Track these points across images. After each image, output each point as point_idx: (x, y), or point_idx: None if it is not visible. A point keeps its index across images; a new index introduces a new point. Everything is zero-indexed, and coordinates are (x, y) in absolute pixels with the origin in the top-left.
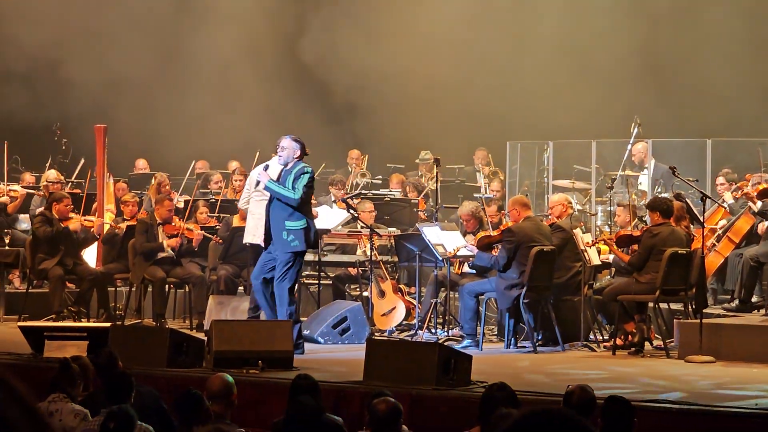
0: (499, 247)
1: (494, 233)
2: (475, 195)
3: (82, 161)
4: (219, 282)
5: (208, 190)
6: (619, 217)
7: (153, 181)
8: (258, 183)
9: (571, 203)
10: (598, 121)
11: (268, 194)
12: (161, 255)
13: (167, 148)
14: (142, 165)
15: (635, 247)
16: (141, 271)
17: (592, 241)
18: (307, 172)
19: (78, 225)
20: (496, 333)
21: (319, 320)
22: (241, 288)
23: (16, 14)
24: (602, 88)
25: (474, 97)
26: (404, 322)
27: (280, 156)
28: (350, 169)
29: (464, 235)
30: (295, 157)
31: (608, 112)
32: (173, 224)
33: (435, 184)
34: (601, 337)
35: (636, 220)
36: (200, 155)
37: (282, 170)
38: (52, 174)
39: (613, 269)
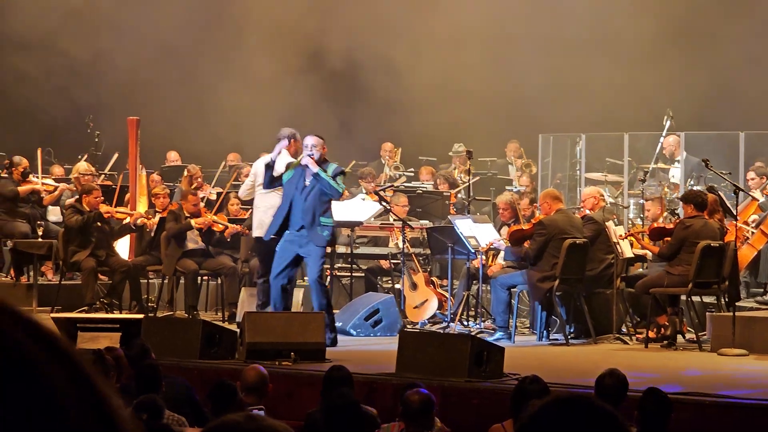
0: (531, 240)
1: (526, 226)
2: (507, 188)
3: (116, 155)
4: (251, 273)
5: (240, 183)
6: (649, 211)
7: (185, 173)
8: (268, 173)
9: (603, 196)
10: (631, 114)
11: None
12: (192, 246)
13: (199, 140)
14: (173, 157)
15: (667, 239)
16: (173, 263)
17: (625, 233)
18: (344, 173)
19: (108, 215)
20: (528, 325)
21: (351, 312)
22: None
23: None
24: (635, 80)
25: (506, 90)
26: (438, 312)
27: (311, 155)
28: (383, 162)
29: (500, 226)
30: (323, 154)
31: (641, 105)
32: (201, 217)
33: (467, 177)
34: (633, 330)
35: (667, 213)
36: (233, 148)
37: (292, 166)
38: (82, 166)
39: (646, 264)
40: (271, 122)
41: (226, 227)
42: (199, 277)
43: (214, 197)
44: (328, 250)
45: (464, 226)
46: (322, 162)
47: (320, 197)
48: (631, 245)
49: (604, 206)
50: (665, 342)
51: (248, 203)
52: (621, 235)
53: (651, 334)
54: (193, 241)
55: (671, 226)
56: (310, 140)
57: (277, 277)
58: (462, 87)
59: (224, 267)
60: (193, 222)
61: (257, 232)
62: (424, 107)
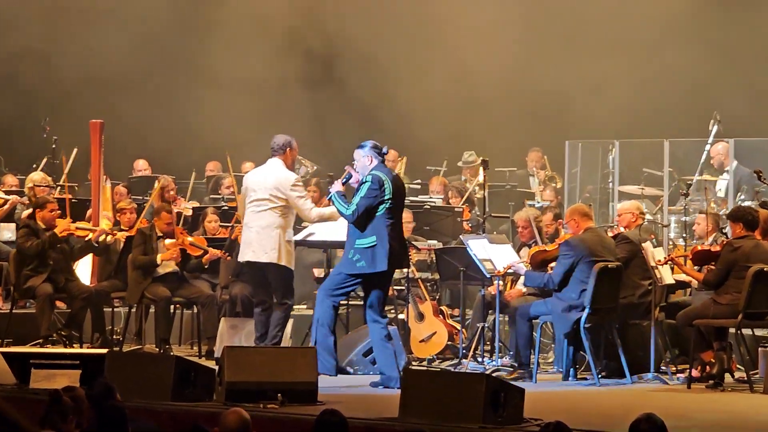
0: (555, 263)
1: (550, 247)
2: (528, 203)
3: (74, 154)
4: (233, 302)
5: (219, 196)
6: (699, 226)
7: (156, 184)
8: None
9: (643, 213)
10: (672, 118)
11: (269, 203)
12: (164, 271)
13: (172, 147)
14: (142, 166)
15: (713, 265)
16: (141, 289)
17: (664, 258)
18: (366, 181)
19: (66, 233)
20: (552, 362)
21: (347, 347)
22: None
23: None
24: (676, 80)
25: (527, 91)
26: (448, 343)
27: (351, 172)
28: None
29: (519, 247)
30: (369, 165)
31: (683, 107)
32: (175, 239)
33: (482, 190)
34: (674, 368)
35: (716, 233)
36: (212, 156)
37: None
38: (37, 176)
39: (689, 289)
40: (256, 128)
41: (205, 252)
42: (172, 306)
43: (189, 212)
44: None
45: (479, 247)
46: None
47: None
48: (672, 269)
49: (642, 224)
50: (711, 382)
51: (228, 219)
52: (659, 260)
53: (695, 373)
54: (165, 267)
55: (717, 248)
56: (354, 154)
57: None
58: (476, 88)
59: (201, 295)
60: (159, 258)
61: (248, 254)
62: (432, 110)
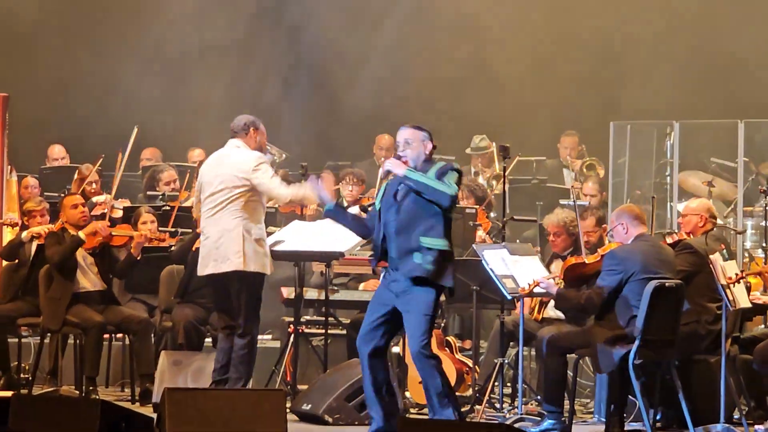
0: (596, 281)
1: (590, 259)
2: (562, 202)
3: None
4: (176, 331)
5: (158, 193)
6: None
7: (75, 176)
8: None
9: (714, 215)
10: (746, 94)
11: (226, 195)
12: (88, 287)
13: (96, 130)
14: (57, 153)
15: None
16: (60, 312)
17: (738, 274)
18: (456, 169)
19: None
20: (592, 410)
21: (325, 389)
22: (208, 339)
23: None
24: (753, 46)
25: (559, 61)
26: (457, 385)
27: (401, 156)
28: (378, 162)
29: (550, 260)
30: (426, 153)
31: (762, 80)
32: (95, 233)
33: (500, 185)
34: (750, 419)
35: None
36: (147, 141)
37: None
38: None
39: None
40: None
41: (130, 238)
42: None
43: (119, 214)
44: (320, 295)
45: (496, 259)
46: (423, 163)
47: (419, 208)
48: (748, 290)
49: (710, 230)
50: None
51: (178, 223)
52: (731, 277)
53: None
54: (90, 280)
55: None
56: (401, 134)
57: (363, 338)
58: (492, 57)
59: (132, 320)
60: (82, 234)
61: (208, 266)
62: (438, 84)
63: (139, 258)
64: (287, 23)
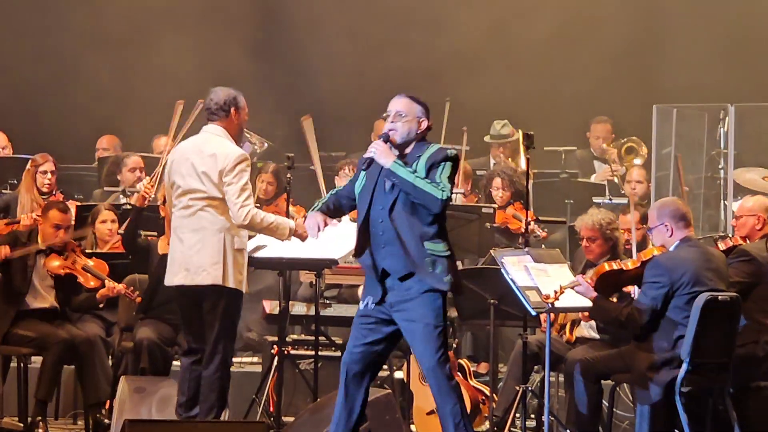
0: (636, 292)
1: (628, 265)
2: (596, 200)
3: None
4: (138, 352)
5: (118, 189)
6: None
7: (28, 166)
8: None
9: None
10: None
11: (203, 194)
12: (39, 304)
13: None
14: (1, 143)
15: None
16: (4, 327)
17: None
18: (450, 158)
19: None
20: None
21: (315, 421)
22: (176, 363)
23: None
24: None
25: (588, 36)
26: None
27: (393, 129)
28: None
29: (583, 268)
30: (419, 131)
31: None
32: (65, 256)
33: (524, 180)
34: None
35: None
36: (105, 126)
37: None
38: None
39: None
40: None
41: (103, 284)
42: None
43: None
44: (308, 310)
45: (518, 268)
46: (416, 144)
47: (414, 211)
48: None
49: None
50: None
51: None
52: None
53: None
54: (43, 298)
55: None
56: (394, 104)
57: (349, 364)
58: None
59: (86, 339)
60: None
61: (179, 275)
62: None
63: (101, 306)
64: None
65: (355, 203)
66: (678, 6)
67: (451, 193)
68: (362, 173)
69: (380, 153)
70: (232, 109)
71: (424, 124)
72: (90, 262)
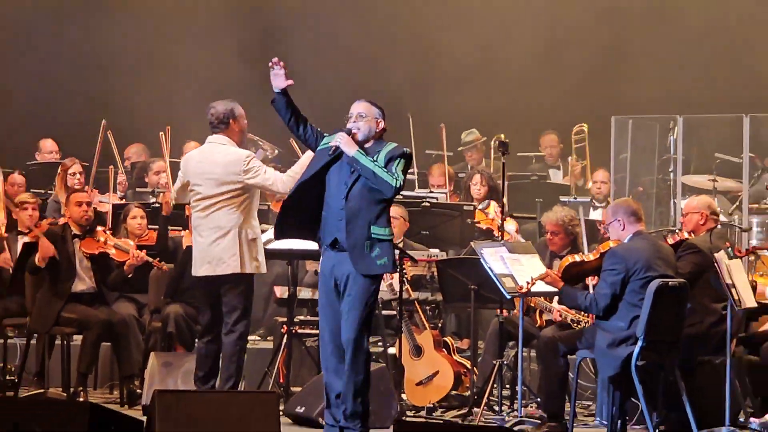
0: (596, 280)
1: (589, 257)
2: (562, 199)
3: None
4: (166, 324)
5: (148, 190)
6: None
7: (59, 170)
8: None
9: (716, 213)
10: (753, 87)
11: (219, 198)
12: (81, 287)
13: (87, 122)
14: (49, 148)
15: None
16: (51, 313)
17: (747, 249)
18: (406, 155)
19: None
20: (594, 412)
21: (319, 391)
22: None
23: None
24: (759, 36)
25: (561, 52)
26: (453, 392)
27: (354, 129)
28: None
29: (550, 260)
30: (377, 130)
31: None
32: (96, 238)
33: (499, 179)
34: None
35: None
36: (136, 135)
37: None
38: None
39: None
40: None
41: (144, 261)
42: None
43: (106, 208)
44: (312, 294)
45: (495, 258)
46: (374, 142)
47: (370, 196)
48: (754, 289)
49: (714, 228)
50: None
51: (159, 220)
52: (739, 249)
53: None
54: (84, 281)
55: None
56: (356, 107)
57: (328, 338)
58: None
59: (121, 320)
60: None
61: (203, 267)
62: (431, 79)
63: (130, 276)
64: None
65: (310, 142)
66: (636, 30)
67: (403, 183)
68: (324, 139)
69: (345, 142)
70: (231, 120)
71: (381, 124)
72: (118, 241)
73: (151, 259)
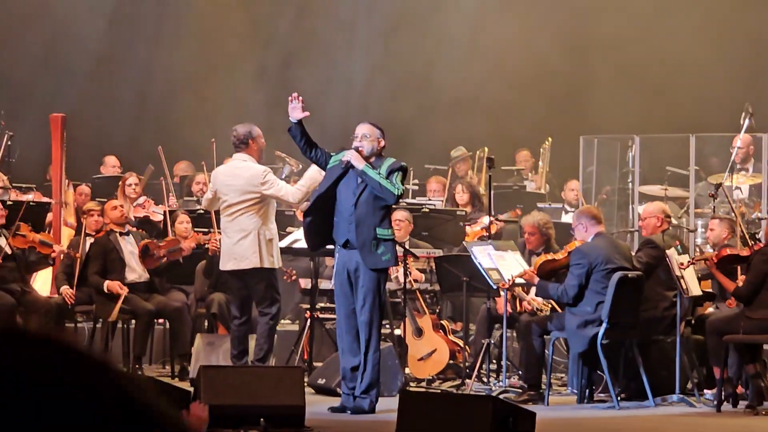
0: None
1: (558, 256)
2: (539, 206)
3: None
4: (210, 308)
5: (193, 198)
6: (713, 232)
7: (120, 183)
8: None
9: (669, 216)
10: (698, 110)
11: (241, 206)
12: (133, 278)
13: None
14: (112, 162)
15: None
16: (111, 302)
17: (689, 261)
18: (403, 168)
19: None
20: (566, 383)
21: (336, 366)
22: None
23: None
24: (703, 68)
25: (537, 83)
26: (450, 361)
27: (358, 147)
28: None
29: (529, 257)
30: (378, 148)
31: (712, 99)
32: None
33: (479, 188)
34: (704, 390)
35: (744, 237)
36: (187, 153)
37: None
38: None
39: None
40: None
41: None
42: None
43: (159, 217)
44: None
45: (483, 254)
46: (376, 158)
47: (374, 202)
48: (700, 281)
49: (666, 229)
50: (744, 404)
51: (202, 223)
52: (682, 263)
53: (741, 390)
54: (137, 272)
55: (747, 252)
56: (360, 129)
57: (343, 321)
58: (480, 75)
59: (170, 307)
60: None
61: (229, 263)
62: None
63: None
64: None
65: (320, 162)
66: (598, 62)
67: (402, 191)
68: (332, 158)
69: (354, 158)
70: (250, 140)
71: (382, 143)
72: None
73: (203, 239)
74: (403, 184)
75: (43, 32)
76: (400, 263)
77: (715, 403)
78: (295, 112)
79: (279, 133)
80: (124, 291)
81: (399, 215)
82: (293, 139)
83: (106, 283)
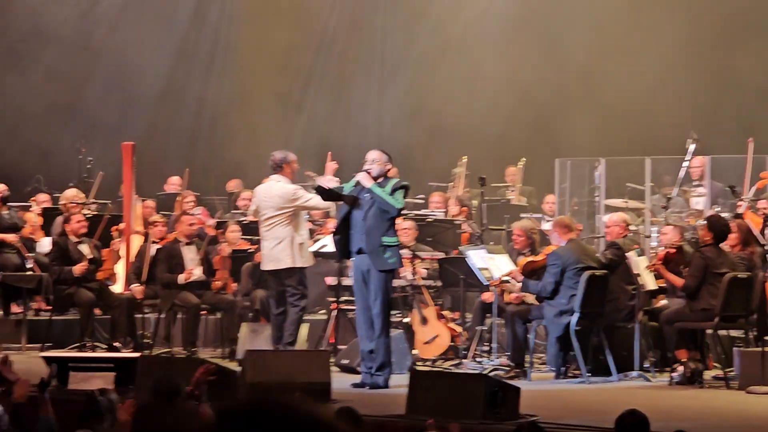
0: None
1: (538, 258)
2: (523, 215)
3: (99, 176)
4: (254, 308)
5: (239, 211)
6: (665, 236)
7: (178, 198)
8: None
9: (629, 225)
10: (653, 137)
11: (276, 218)
12: (192, 278)
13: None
14: (174, 181)
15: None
16: (172, 297)
17: (650, 264)
18: (405, 187)
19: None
20: (545, 362)
21: (357, 349)
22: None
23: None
24: (656, 102)
25: (520, 113)
26: (450, 344)
27: (368, 170)
28: None
29: (516, 256)
30: (385, 170)
31: (663, 126)
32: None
33: (470, 201)
34: (657, 367)
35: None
36: (238, 172)
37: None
38: (70, 192)
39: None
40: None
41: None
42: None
43: (213, 232)
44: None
45: (477, 257)
46: (383, 179)
47: (380, 215)
48: (655, 277)
49: (626, 235)
50: (691, 379)
51: (250, 232)
52: (648, 266)
53: (688, 369)
54: (195, 272)
55: (673, 251)
56: (370, 155)
57: (360, 313)
58: (472, 110)
59: (223, 301)
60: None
61: (268, 264)
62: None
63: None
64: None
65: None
66: (572, 88)
67: (403, 205)
68: (346, 185)
69: (364, 178)
70: (284, 164)
71: (388, 166)
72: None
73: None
74: (405, 199)
75: (112, 67)
76: (406, 264)
77: (686, 377)
78: (323, 181)
79: (310, 155)
80: (191, 277)
81: (407, 224)
82: (317, 193)
83: (180, 276)
